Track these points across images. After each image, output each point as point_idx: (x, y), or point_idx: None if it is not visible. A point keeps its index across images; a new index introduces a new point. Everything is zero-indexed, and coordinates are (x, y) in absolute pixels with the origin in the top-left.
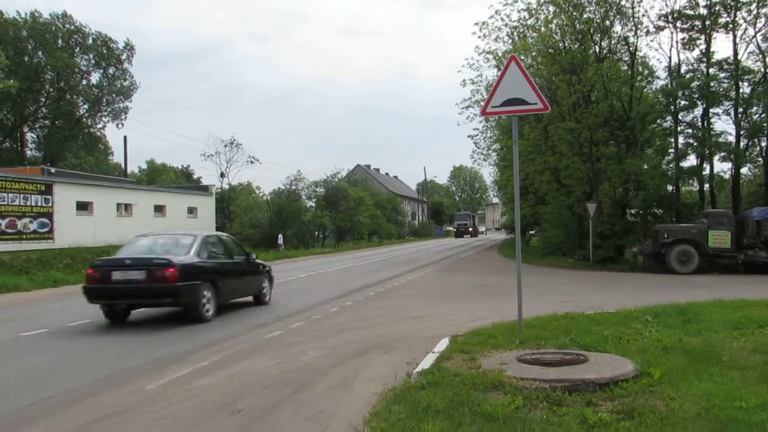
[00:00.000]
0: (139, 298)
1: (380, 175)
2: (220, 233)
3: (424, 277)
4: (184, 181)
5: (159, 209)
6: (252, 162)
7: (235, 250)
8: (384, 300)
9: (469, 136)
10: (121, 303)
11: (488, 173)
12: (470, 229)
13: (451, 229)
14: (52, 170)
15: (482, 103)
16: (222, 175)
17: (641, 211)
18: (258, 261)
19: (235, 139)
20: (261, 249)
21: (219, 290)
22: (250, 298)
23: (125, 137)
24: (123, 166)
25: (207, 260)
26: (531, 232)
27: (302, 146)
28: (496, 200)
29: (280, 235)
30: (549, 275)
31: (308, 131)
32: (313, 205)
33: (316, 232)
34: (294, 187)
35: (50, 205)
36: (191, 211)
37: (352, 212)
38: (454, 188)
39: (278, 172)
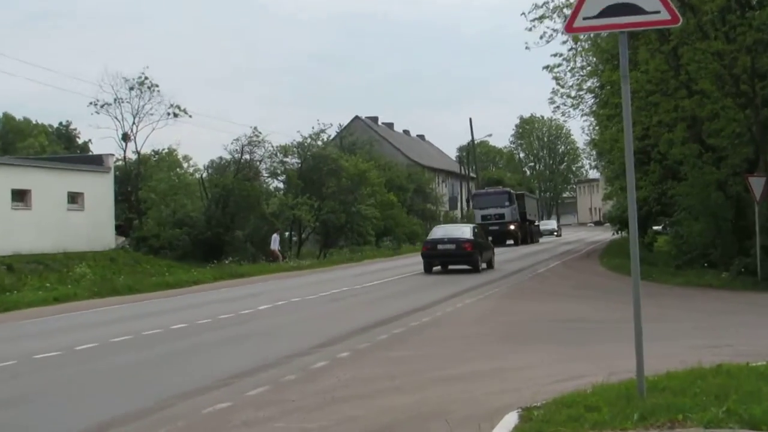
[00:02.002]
0: (451, 257)
1: (395, 134)
2: (474, 225)
3: (473, 308)
4: (62, 148)
5: (20, 196)
6: (176, 115)
7: (483, 235)
8: (405, 347)
9: (546, 68)
10: (440, 261)
11: (580, 128)
12: (511, 227)
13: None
14: None
15: (568, 12)
16: (126, 137)
17: None
18: (489, 241)
19: (147, 78)
20: (194, 263)
21: (482, 256)
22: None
23: None
24: None
25: (477, 239)
26: (656, 227)
27: (264, 89)
28: (594, 174)
29: (276, 236)
30: (687, 301)
31: (275, 65)
32: (281, 186)
33: (287, 233)
34: (248, 157)
35: None
36: (74, 198)
37: (346, 197)
38: (521, 155)
39: (222, 132)
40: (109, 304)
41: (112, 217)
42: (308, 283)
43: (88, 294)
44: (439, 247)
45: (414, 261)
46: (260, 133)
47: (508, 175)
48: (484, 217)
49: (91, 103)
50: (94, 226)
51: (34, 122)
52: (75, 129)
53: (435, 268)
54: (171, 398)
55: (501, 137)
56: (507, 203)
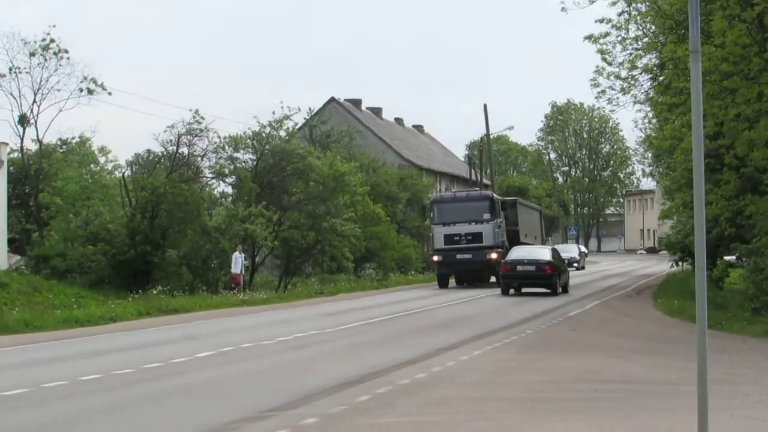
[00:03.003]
0: (529, 280)
1: (383, 124)
2: (553, 247)
3: (483, 362)
4: None
5: None
6: (90, 92)
7: (560, 257)
8: (392, 413)
9: (588, 38)
10: (518, 282)
11: (631, 122)
12: (493, 256)
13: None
14: None
15: None
16: (24, 120)
17: None
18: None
19: (53, 41)
20: (112, 292)
21: (560, 279)
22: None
23: None
24: None
25: (556, 262)
26: (728, 257)
27: (208, 59)
28: (648, 184)
29: (238, 255)
30: (767, 358)
31: (223, 26)
32: (230, 192)
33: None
34: (186, 151)
35: None
36: None
37: (316, 208)
38: (552, 155)
39: (151, 117)
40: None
41: (4, 227)
42: (263, 323)
43: None
44: (519, 268)
45: (407, 296)
46: (203, 118)
47: (533, 183)
48: (449, 239)
49: None
50: None
51: None
52: None
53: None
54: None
55: (525, 131)
56: (487, 216)
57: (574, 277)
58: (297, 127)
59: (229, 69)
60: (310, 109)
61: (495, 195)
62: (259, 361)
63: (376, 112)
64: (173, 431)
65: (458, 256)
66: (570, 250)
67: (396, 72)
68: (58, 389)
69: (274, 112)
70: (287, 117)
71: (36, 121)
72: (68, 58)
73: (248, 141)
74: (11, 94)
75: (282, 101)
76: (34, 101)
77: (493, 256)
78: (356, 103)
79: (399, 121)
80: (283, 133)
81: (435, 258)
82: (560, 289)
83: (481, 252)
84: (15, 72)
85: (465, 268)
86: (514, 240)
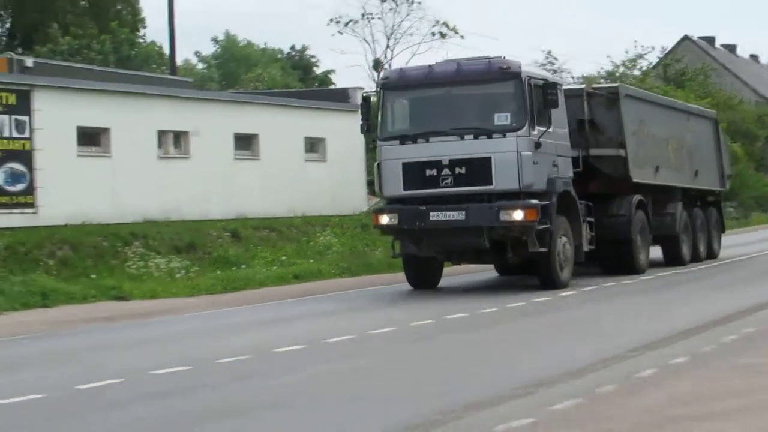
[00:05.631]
0: None
1: (738, 61)
2: None
3: None
4: (295, 80)
5: (245, 142)
6: (443, 35)
7: None
8: (757, 353)
9: None
10: None
11: None
12: (516, 216)
13: None
14: (29, 62)
15: None
16: (378, 65)
17: None
18: None
19: None
20: None
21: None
22: None
23: None
24: (170, 49)
25: None
26: None
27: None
28: None
29: None
30: None
31: None
32: None
33: None
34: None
35: (28, 135)
36: (313, 146)
37: None
38: None
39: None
40: (364, 285)
41: (363, 170)
42: None
43: (336, 271)
44: None
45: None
46: (556, 59)
47: None
48: (414, 174)
49: (331, 21)
50: (339, 182)
51: (263, 47)
52: (312, 56)
53: None
54: (463, 406)
55: None
56: (506, 118)
57: None
58: (651, 66)
59: (581, 9)
60: (663, 48)
61: (532, 69)
62: (623, 300)
63: (731, 49)
64: (544, 366)
65: (433, 216)
66: None
67: (751, 6)
68: (424, 327)
69: (627, 52)
70: (641, 56)
71: (390, 65)
72: (419, 2)
73: (602, 81)
74: (364, 40)
75: (636, 40)
76: (387, 46)
77: (517, 216)
78: (710, 40)
79: (755, 57)
80: (637, 72)
81: (383, 220)
82: None
83: (488, 208)
84: (367, 18)
85: (448, 243)
86: (612, 179)
